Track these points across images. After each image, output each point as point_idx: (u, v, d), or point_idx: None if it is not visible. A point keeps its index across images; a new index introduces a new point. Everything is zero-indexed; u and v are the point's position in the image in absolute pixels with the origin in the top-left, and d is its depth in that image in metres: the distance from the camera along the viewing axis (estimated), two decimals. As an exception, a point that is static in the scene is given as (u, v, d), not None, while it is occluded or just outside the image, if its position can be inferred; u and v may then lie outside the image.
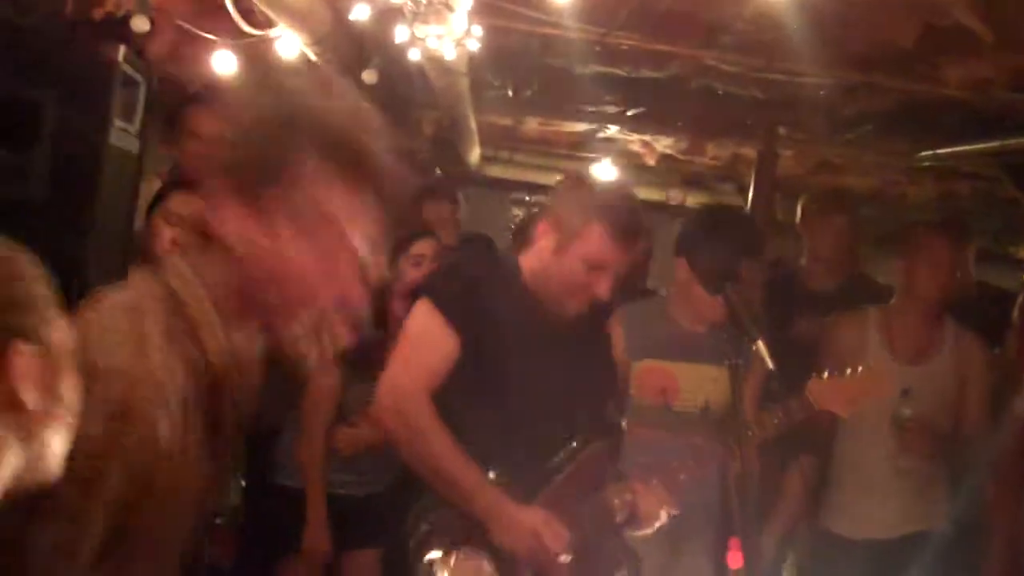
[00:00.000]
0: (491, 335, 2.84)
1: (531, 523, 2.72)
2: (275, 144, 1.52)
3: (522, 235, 4.34)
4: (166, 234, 3.39)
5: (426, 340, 2.86)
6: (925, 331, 4.16)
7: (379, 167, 1.56)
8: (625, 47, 3.94)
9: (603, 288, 2.86)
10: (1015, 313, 4.88)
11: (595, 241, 2.82)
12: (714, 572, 3.72)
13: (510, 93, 4.98)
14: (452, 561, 2.69)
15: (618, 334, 3.65)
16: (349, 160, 1.54)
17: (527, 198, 8.77)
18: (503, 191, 8.60)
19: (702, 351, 3.60)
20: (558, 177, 8.09)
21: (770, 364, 2.74)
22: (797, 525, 4.31)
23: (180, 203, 3.40)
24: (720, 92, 4.34)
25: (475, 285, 2.96)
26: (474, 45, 3.33)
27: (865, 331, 4.22)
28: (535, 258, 2.94)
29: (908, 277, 4.12)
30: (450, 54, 3.28)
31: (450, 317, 2.82)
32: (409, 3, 3.21)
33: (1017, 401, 4.16)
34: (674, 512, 3.02)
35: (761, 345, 2.73)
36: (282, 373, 1.59)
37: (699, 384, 3.66)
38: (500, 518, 2.72)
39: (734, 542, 3.15)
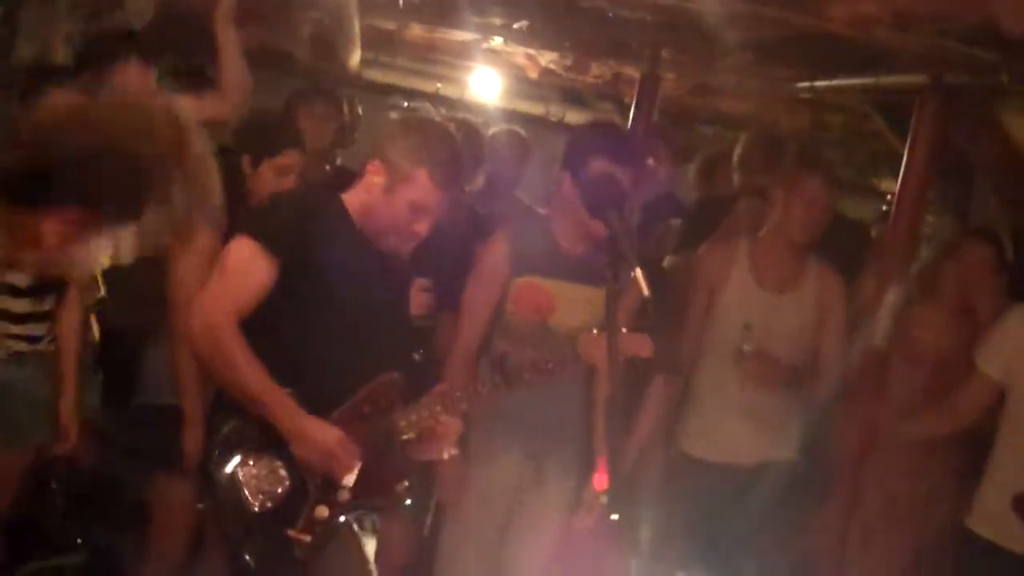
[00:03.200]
0: (310, 265, 3.00)
1: (326, 441, 2.95)
2: None
3: None
4: None
5: (239, 268, 3.03)
6: (790, 264, 4.28)
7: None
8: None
9: (422, 228, 3.08)
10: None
11: (421, 186, 3.03)
12: (575, 487, 3.82)
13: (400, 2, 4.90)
14: (251, 464, 2.93)
15: (501, 250, 3.68)
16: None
17: (405, 104, 8.66)
18: (381, 95, 8.46)
19: (580, 272, 3.65)
20: (438, 85, 8.14)
21: (646, 291, 2.79)
22: (653, 445, 4.43)
23: None
24: (609, 14, 4.32)
25: (299, 217, 3.11)
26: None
27: (734, 259, 4.33)
28: (364, 193, 3.11)
29: (782, 212, 4.21)
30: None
31: (267, 246, 2.98)
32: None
33: (867, 335, 4.35)
34: (454, 452, 3.23)
35: (639, 272, 2.77)
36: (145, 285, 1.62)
37: (575, 304, 3.71)
38: (299, 434, 2.95)
39: (601, 463, 3.22)
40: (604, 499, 3.52)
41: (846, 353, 4.33)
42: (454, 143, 3.15)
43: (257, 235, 3.00)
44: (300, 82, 5.83)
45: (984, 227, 4.86)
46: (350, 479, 2.99)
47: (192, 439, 3.64)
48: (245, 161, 3.92)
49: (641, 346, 3.24)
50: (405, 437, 3.10)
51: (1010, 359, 3.86)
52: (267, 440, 2.94)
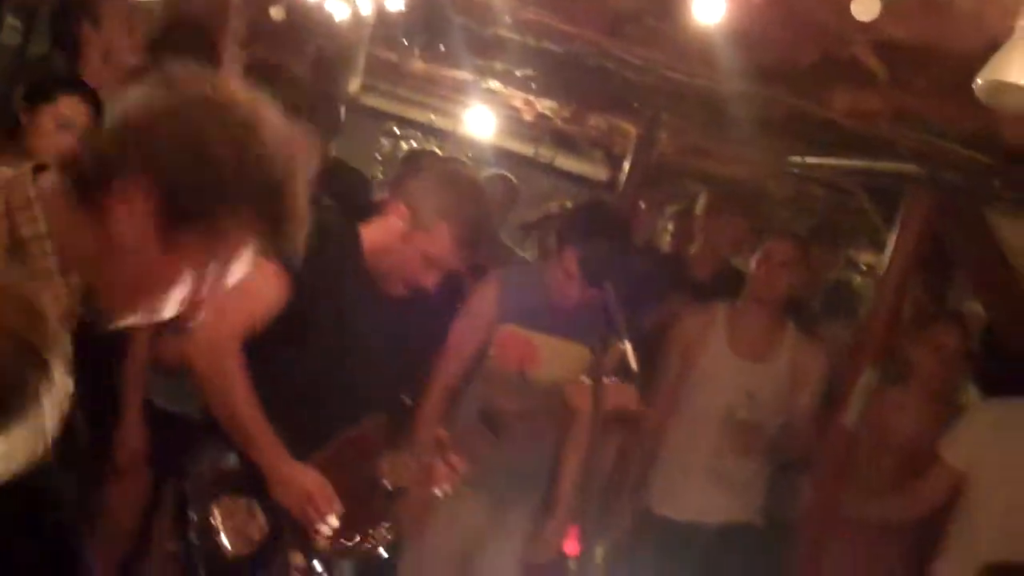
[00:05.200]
0: (319, 295, 2.89)
1: (306, 485, 2.87)
2: (220, 181, 1.45)
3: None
4: (51, 133, 3.25)
5: (254, 284, 2.86)
6: (767, 331, 4.38)
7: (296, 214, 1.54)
8: (532, 18, 3.96)
9: (430, 281, 3.02)
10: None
11: (441, 241, 2.96)
12: (527, 537, 3.87)
13: (405, 42, 4.94)
14: (229, 504, 2.83)
15: (492, 293, 3.72)
16: (272, 216, 1.50)
17: (397, 131, 8.73)
18: (376, 121, 8.50)
19: (567, 327, 3.71)
20: (432, 116, 8.20)
21: (634, 366, 2.85)
22: (619, 504, 4.48)
23: (70, 105, 3.26)
24: (614, 74, 4.39)
25: (318, 239, 2.99)
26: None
27: (711, 325, 4.41)
28: (380, 232, 3.02)
29: (754, 278, 4.35)
30: (365, 9, 3.23)
31: (287, 263, 2.76)
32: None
33: (840, 412, 4.43)
34: (448, 491, 3.19)
35: (628, 347, 2.83)
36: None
37: (558, 358, 3.76)
38: (279, 474, 2.85)
39: (574, 530, 3.28)
40: (573, 565, 3.59)
41: (817, 426, 4.42)
42: (484, 204, 3.10)
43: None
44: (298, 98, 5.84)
45: (954, 312, 4.98)
46: (328, 527, 2.91)
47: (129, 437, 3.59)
48: None
49: (627, 398, 3.27)
50: (388, 484, 3.06)
51: (972, 452, 3.95)
52: (247, 478, 2.85)
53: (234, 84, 1.54)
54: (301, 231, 1.55)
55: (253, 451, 2.85)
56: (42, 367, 1.15)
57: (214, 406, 2.88)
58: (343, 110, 6.05)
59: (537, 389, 3.72)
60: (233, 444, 2.87)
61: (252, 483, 2.86)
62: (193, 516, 2.81)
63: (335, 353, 2.94)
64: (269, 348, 2.85)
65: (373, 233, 3.03)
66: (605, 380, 3.11)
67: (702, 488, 4.32)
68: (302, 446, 2.92)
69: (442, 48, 4.69)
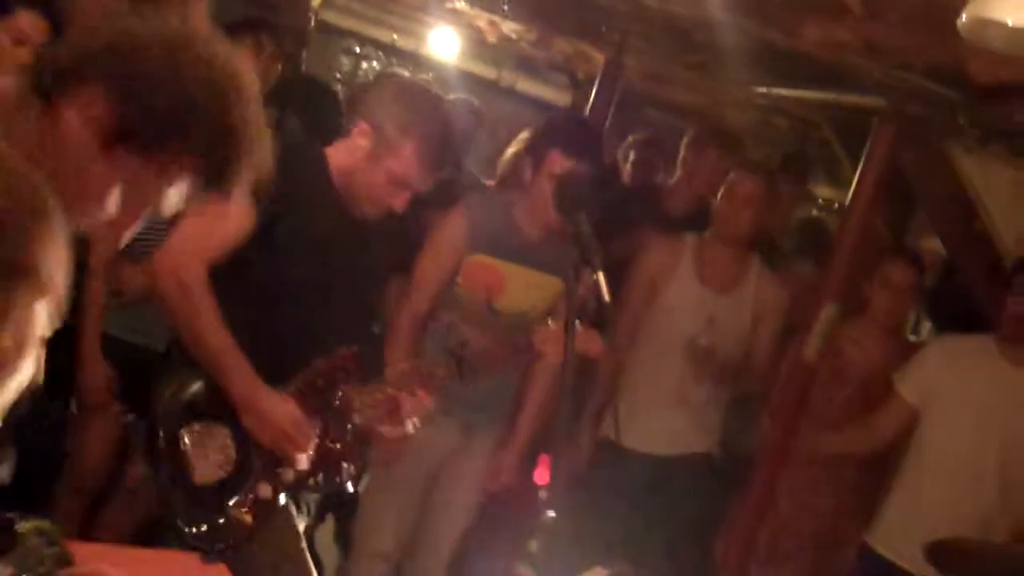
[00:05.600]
0: (287, 218, 2.82)
1: (281, 419, 2.81)
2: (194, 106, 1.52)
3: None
4: (7, 48, 3.15)
5: (217, 209, 2.80)
6: (733, 264, 4.39)
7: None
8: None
9: (399, 203, 2.95)
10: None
11: (405, 159, 2.88)
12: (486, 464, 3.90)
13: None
14: (198, 431, 2.77)
15: (460, 225, 3.68)
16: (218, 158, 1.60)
17: (358, 49, 8.60)
18: (335, 37, 8.35)
19: (535, 257, 3.68)
20: (395, 36, 8.06)
21: (607, 296, 2.84)
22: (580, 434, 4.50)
23: (29, 20, 3.16)
24: (584, -3, 4.34)
25: (284, 164, 2.93)
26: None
27: (680, 256, 4.41)
28: (345, 153, 2.95)
29: (718, 213, 4.34)
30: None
31: (250, 190, 2.77)
32: None
33: (798, 345, 4.47)
34: (418, 425, 3.12)
35: (601, 277, 2.81)
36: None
37: (524, 289, 3.74)
38: (253, 405, 2.80)
39: (544, 459, 3.28)
40: (543, 494, 3.61)
41: (776, 355, 4.46)
42: (448, 121, 3.04)
43: None
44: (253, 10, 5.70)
45: (907, 248, 5.02)
46: (302, 461, 2.88)
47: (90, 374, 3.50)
48: None
49: (592, 344, 3.27)
50: (357, 417, 3.02)
51: (926, 386, 3.99)
52: (217, 405, 2.80)
53: (201, 23, 1.61)
54: (248, 171, 1.64)
55: (224, 379, 2.79)
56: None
57: (181, 331, 2.81)
58: (312, 17, 5.91)
59: (503, 320, 3.71)
60: (203, 371, 2.81)
61: (222, 411, 2.81)
62: (162, 442, 2.75)
63: (305, 280, 2.89)
64: (236, 274, 2.79)
65: (338, 155, 2.97)
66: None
67: (662, 416, 4.35)
68: (272, 376, 2.87)
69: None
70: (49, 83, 1.54)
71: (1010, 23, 2.06)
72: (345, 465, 3.03)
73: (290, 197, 2.75)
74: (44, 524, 1.62)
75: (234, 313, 2.78)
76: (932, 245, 5.43)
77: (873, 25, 3.52)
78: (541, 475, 3.50)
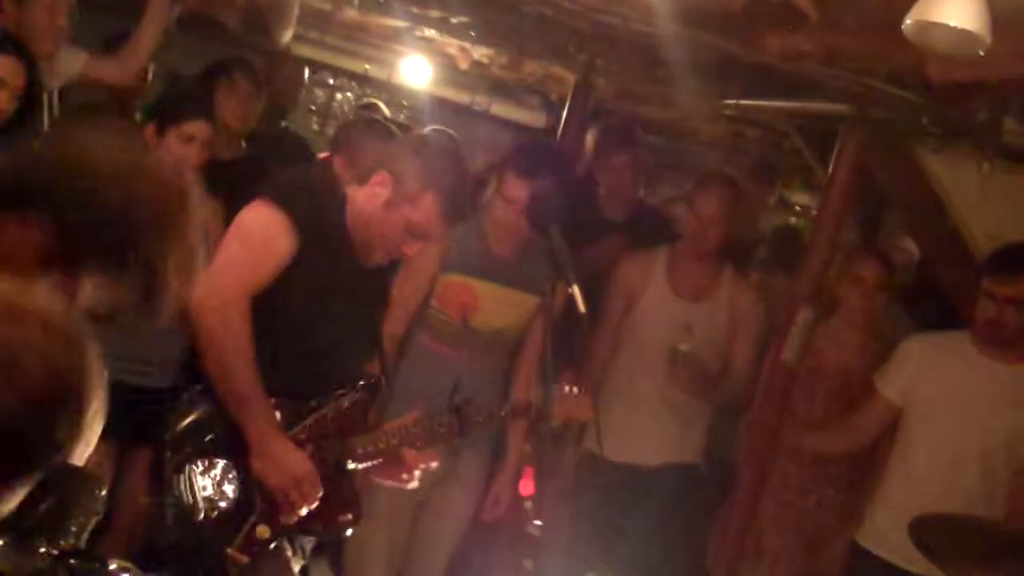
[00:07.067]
0: (320, 251, 2.88)
1: (292, 470, 2.80)
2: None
3: (344, 148, 4.30)
4: None
5: (262, 239, 2.82)
6: (705, 273, 4.48)
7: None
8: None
9: (412, 251, 3.00)
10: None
11: (424, 211, 2.91)
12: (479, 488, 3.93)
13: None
14: (206, 467, 2.78)
15: (431, 248, 3.73)
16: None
17: (331, 81, 8.67)
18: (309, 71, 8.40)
19: (508, 274, 3.75)
20: (367, 66, 8.13)
21: (582, 308, 2.90)
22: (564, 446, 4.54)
23: (5, 65, 3.21)
24: (550, 20, 4.40)
25: (316, 196, 2.97)
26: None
27: (652, 268, 4.48)
28: (364, 200, 2.97)
29: (688, 223, 4.42)
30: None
31: (295, 219, 2.79)
32: None
33: (776, 349, 4.52)
34: (416, 484, 3.15)
35: (576, 290, 2.88)
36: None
37: (499, 306, 3.80)
38: (267, 451, 2.79)
39: (528, 470, 3.34)
40: (529, 504, 3.66)
41: (756, 363, 4.52)
42: (466, 173, 3.08)
43: (285, 205, 2.81)
44: (229, 51, 5.78)
45: (875, 247, 5.10)
46: (305, 512, 2.87)
47: None
48: (149, 131, 3.79)
49: (581, 408, 3.33)
50: (356, 466, 3.02)
51: (907, 384, 4.04)
52: (229, 442, 2.80)
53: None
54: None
55: (245, 418, 2.78)
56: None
57: (212, 368, 2.79)
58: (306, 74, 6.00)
59: (479, 337, 3.77)
60: (218, 408, 2.82)
61: (232, 449, 2.81)
62: (167, 474, 2.76)
63: (316, 320, 2.91)
64: (266, 307, 2.82)
65: (355, 201, 2.99)
66: (565, 389, 3.22)
67: (644, 427, 4.40)
68: (286, 415, 2.90)
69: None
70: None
71: (952, 25, 2.13)
72: (343, 516, 3.03)
73: (319, 235, 2.82)
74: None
75: (258, 342, 2.79)
76: (908, 244, 5.51)
77: (833, 33, 3.60)
78: (526, 486, 3.57)
